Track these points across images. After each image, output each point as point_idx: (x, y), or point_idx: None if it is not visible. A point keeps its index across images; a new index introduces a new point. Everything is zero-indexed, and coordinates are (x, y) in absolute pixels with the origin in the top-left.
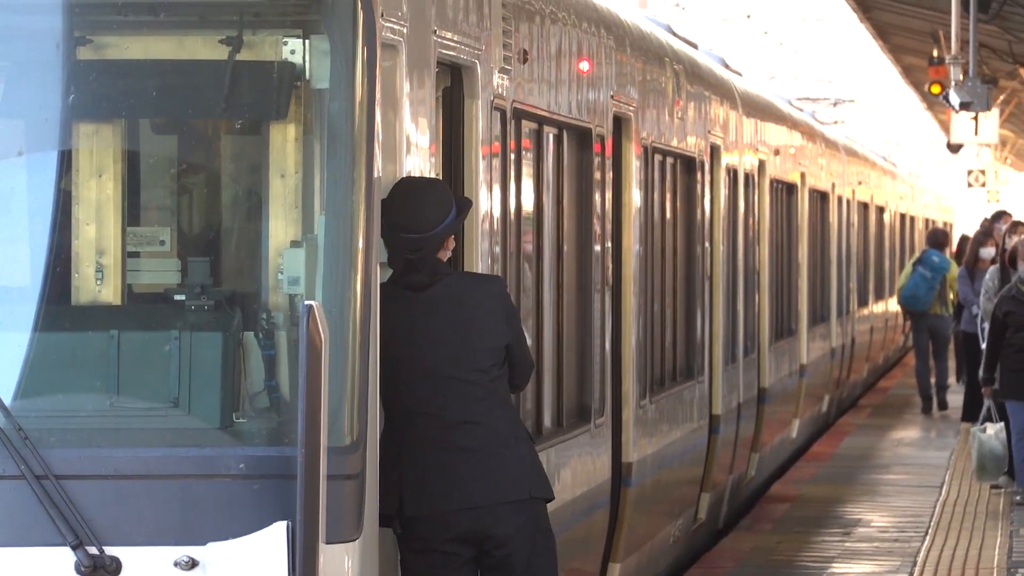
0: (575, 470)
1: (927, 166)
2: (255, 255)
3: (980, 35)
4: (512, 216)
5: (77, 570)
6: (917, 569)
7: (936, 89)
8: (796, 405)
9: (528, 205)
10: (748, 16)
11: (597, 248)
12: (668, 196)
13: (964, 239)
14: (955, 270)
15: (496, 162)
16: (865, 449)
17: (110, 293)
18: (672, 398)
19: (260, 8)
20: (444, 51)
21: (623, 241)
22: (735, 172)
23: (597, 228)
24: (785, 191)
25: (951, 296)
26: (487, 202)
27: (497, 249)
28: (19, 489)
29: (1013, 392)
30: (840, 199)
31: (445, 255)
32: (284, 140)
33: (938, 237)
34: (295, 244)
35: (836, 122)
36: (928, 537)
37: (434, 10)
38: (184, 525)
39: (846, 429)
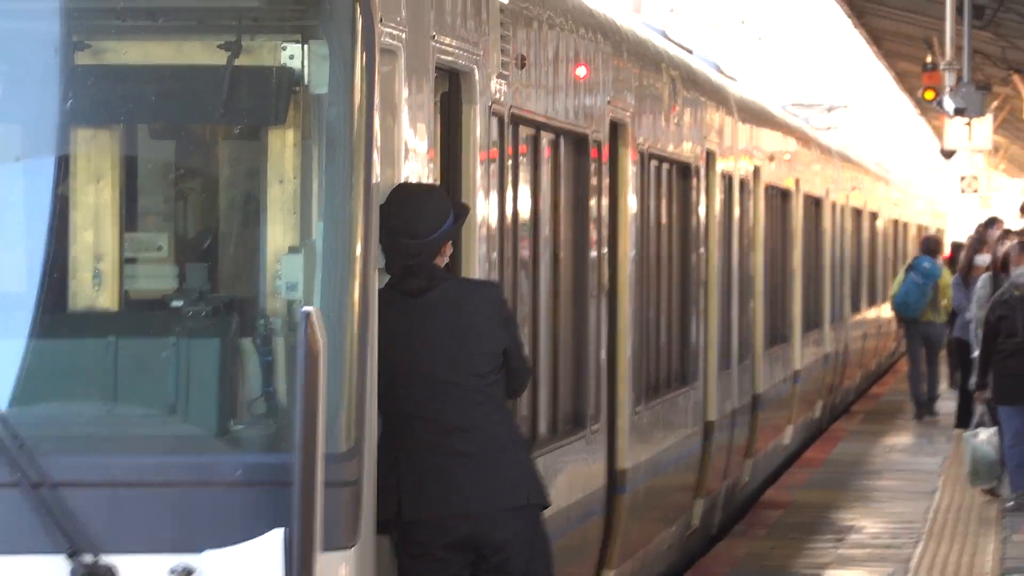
0: (570, 476)
1: (920, 172)
2: (253, 261)
3: (974, 41)
4: (509, 222)
5: None
6: (910, 575)
7: (930, 95)
8: (790, 411)
9: (525, 211)
10: (742, 22)
11: (593, 254)
12: (664, 202)
13: (956, 245)
14: (947, 276)
15: (494, 168)
16: (858, 455)
17: (108, 299)
18: (667, 404)
19: (259, 13)
20: (442, 56)
21: (619, 247)
22: (730, 178)
23: (593, 234)
24: (780, 197)
25: (944, 303)
26: (484, 208)
27: (494, 255)
28: (15, 496)
29: (1005, 397)
30: (834, 205)
31: (443, 261)
32: (282, 145)
33: (930, 244)
34: (293, 250)
35: (829, 128)
36: (921, 543)
37: (433, 15)
38: (180, 532)
39: (839, 435)
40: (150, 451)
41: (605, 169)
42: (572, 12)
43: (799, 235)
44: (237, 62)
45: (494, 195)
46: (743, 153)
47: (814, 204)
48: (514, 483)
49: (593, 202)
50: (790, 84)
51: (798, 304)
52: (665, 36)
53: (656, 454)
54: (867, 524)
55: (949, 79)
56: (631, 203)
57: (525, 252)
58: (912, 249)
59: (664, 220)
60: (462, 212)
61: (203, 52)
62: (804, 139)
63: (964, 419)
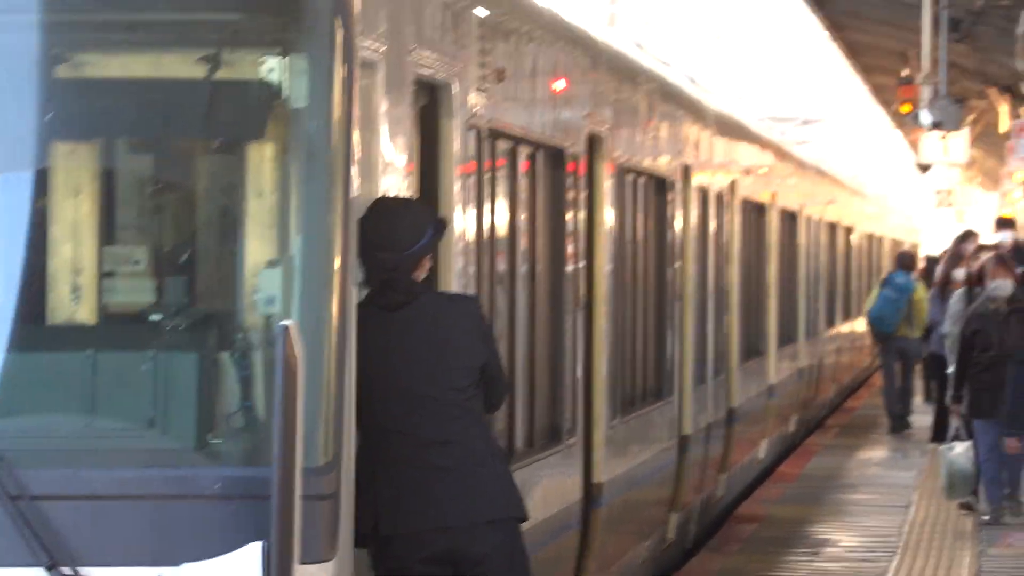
0: (546, 490)
1: (895, 186)
2: (231, 275)
3: (950, 54)
4: (487, 236)
5: None
6: None
7: (906, 108)
8: (764, 425)
9: (503, 225)
10: (717, 35)
11: (570, 268)
12: (640, 216)
13: (931, 260)
14: (921, 291)
15: (471, 182)
16: (832, 469)
17: (86, 313)
18: (642, 418)
19: (238, 27)
20: (421, 70)
21: (596, 261)
22: (706, 192)
23: (570, 248)
24: (755, 211)
25: (919, 317)
26: (462, 222)
27: (471, 269)
28: None
29: (980, 411)
30: (809, 219)
31: (421, 275)
32: (261, 159)
33: (904, 259)
34: (271, 264)
35: (804, 141)
36: (896, 557)
37: (412, 29)
38: (158, 546)
39: (813, 449)
40: (129, 464)
41: (582, 183)
42: (550, 26)
43: (775, 249)
44: (216, 76)
45: (472, 209)
46: (719, 167)
47: (790, 218)
48: (493, 496)
49: (570, 216)
50: (765, 97)
51: (773, 318)
52: (641, 49)
53: (632, 468)
54: (842, 538)
55: (926, 92)
56: (608, 217)
57: (502, 266)
58: (887, 263)
59: (641, 234)
60: (441, 226)
61: (182, 66)
62: (780, 153)
63: (940, 433)
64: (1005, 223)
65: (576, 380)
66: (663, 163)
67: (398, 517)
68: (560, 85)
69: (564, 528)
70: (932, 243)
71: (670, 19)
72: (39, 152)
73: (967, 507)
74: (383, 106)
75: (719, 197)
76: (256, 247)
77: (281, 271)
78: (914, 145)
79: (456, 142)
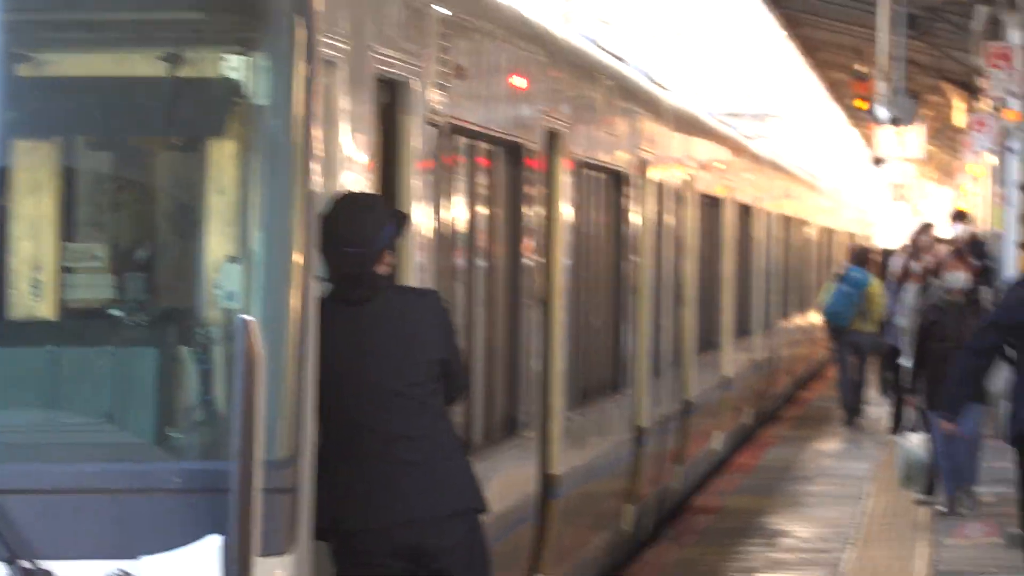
0: (504, 482)
1: (849, 180)
2: (192, 270)
3: (907, 51)
4: (447, 231)
5: None
6: None
7: (861, 104)
8: (720, 417)
9: (462, 220)
10: (673, 31)
11: (528, 262)
12: (598, 211)
13: (888, 253)
14: (876, 285)
15: (432, 178)
16: (788, 460)
17: (46, 308)
18: (599, 411)
19: (199, 25)
20: (382, 67)
21: (554, 255)
22: (663, 187)
23: (528, 243)
24: (711, 205)
25: (874, 311)
26: (423, 217)
27: (431, 264)
28: None
29: (937, 404)
30: (764, 214)
31: (385, 270)
32: (222, 156)
33: (860, 254)
34: (232, 259)
35: (759, 136)
36: (853, 547)
37: (373, 26)
38: (118, 539)
39: (769, 441)
40: (88, 459)
41: (541, 178)
42: (509, 22)
43: (730, 243)
44: (177, 74)
45: (432, 205)
46: (676, 162)
47: (745, 212)
48: (457, 489)
49: (529, 211)
50: (720, 93)
51: (729, 311)
52: (598, 46)
53: (588, 460)
54: (797, 529)
55: (882, 88)
56: (566, 212)
57: (461, 261)
58: (841, 256)
59: (598, 229)
60: (402, 221)
61: (143, 64)
62: (736, 147)
63: (899, 425)
64: (961, 216)
65: (533, 373)
66: (621, 158)
67: (368, 512)
68: (519, 82)
69: (521, 520)
70: (887, 237)
71: (626, 15)
72: (0, 149)
73: (925, 503)
74: (344, 103)
75: (676, 192)
76: (217, 243)
77: (242, 266)
78: (868, 140)
79: (416, 139)
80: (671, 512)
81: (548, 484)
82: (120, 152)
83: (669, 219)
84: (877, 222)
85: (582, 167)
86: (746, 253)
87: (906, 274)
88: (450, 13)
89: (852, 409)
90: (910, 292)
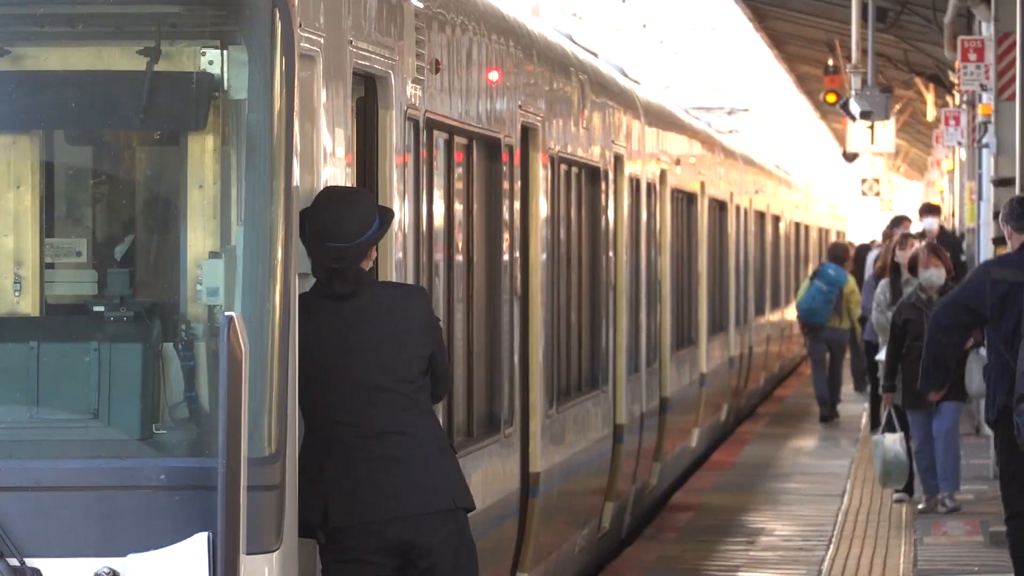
0: (485, 480)
1: (818, 175)
2: (174, 266)
3: (876, 44)
4: (424, 226)
5: None
6: None
7: (831, 98)
8: (696, 414)
9: (440, 215)
10: (644, 26)
11: (505, 258)
12: (573, 206)
13: (863, 248)
14: (852, 283)
15: (409, 172)
16: (766, 458)
17: (28, 304)
18: (578, 408)
19: (178, 19)
20: (359, 61)
21: (530, 251)
22: (638, 181)
23: (505, 238)
24: (686, 200)
25: (849, 309)
26: (400, 212)
27: (410, 259)
28: None
29: (914, 403)
30: (738, 208)
31: (367, 265)
32: (202, 151)
33: (836, 251)
34: (214, 255)
35: (731, 131)
36: (832, 546)
37: (350, 20)
38: (104, 536)
39: (746, 438)
40: (74, 455)
41: (516, 173)
42: (485, 17)
43: (705, 238)
44: (156, 68)
45: (409, 199)
46: (650, 157)
47: (719, 207)
48: (445, 486)
49: (505, 206)
50: (692, 87)
51: (704, 307)
52: (572, 40)
53: (568, 457)
54: (777, 527)
55: (854, 82)
56: (542, 207)
57: (439, 256)
58: (814, 251)
59: (574, 224)
60: (388, 216)
61: (122, 58)
62: (709, 142)
63: (878, 422)
64: (931, 209)
65: (513, 370)
66: (596, 153)
67: (355, 508)
68: (495, 76)
69: (502, 517)
70: (859, 231)
71: (596, 9)
72: None
73: (903, 501)
74: (322, 97)
75: (650, 186)
76: (198, 238)
77: (224, 262)
78: (838, 134)
79: (394, 133)
80: (650, 510)
81: (529, 481)
82: (100, 147)
83: (644, 214)
84: (849, 217)
85: (557, 162)
86: (721, 248)
87: (884, 268)
88: (426, 7)
89: (828, 406)
90: (879, 288)
